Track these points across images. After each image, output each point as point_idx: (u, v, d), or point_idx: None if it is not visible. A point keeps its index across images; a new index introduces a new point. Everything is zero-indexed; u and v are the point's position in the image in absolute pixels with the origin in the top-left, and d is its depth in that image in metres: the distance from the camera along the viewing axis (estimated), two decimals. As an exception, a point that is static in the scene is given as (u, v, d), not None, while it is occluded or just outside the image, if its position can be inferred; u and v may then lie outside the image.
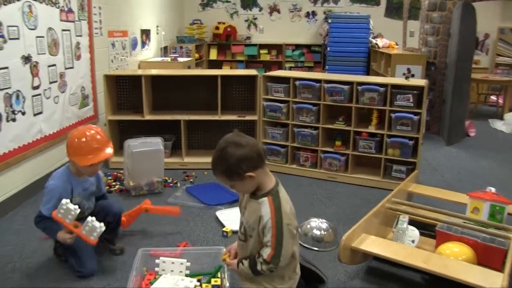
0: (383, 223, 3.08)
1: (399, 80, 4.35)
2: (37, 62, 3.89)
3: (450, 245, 2.79)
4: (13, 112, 3.58)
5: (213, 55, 9.26)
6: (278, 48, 9.26)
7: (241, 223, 2.13)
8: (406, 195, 3.53)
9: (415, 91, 4.02)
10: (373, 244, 2.65)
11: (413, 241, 2.95)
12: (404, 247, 2.74)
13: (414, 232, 3.00)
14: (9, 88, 3.51)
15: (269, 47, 9.27)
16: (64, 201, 2.52)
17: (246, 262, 2.05)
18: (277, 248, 1.93)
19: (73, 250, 2.71)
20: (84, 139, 2.68)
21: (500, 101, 8.00)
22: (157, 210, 3.33)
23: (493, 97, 8.47)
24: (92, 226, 2.56)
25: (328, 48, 7.84)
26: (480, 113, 7.80)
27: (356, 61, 7.55)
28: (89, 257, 2.74)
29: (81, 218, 2.70)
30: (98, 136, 2.72)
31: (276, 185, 2.02)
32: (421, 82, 4.16)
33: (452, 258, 2.64)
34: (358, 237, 2.67)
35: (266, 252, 1.96)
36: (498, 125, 6.96)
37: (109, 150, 2.75)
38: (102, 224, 2.60)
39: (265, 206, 1.95)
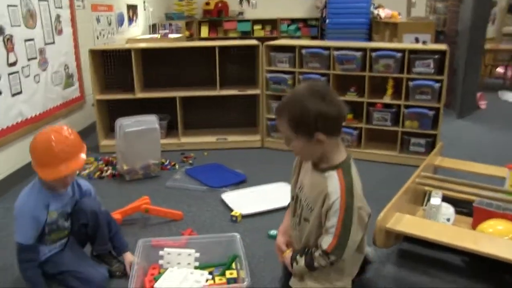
0: (412, 201, 2.73)
1: (417, 46, 3.98)
2: (11, 35, 3.47)
3: (492, 222, 2.46)
4: (-14, 91, 3.18)
5: (204, 32, 8.85)
6: (272, 23, 8.88)
7: (295, 199, 1.73)
8: (432, 169, 3.18)
9: (436, 56, 3.65)
10: (411, 225, 2.31)
11: (448, 220, 2.61)
12: (447, 227, 2.42)
13: (448, 209, 2.66)
14: (-21, 64, 3.12)
15: (263, 22, 8.88)
16: None
17: (301, 260, 1.65)
18: (342, 236, 1.54)
19: (67, 272, 2.25)
20: (48, 146, 2.07)
21: (509, 72, 7.68)
22: (158, 211, 2.95)
23: (500, 69, 8.12)
24: None
25: (328, 20, 7.45)
26: (487, 86, 7.47)
27: (357, 33, 7.14)
28: (91, 266, 2.31)
29: (61, 237, 2.31)
30: (67, 140, 2.12)
31: (348, 159, 1.63)
32: (442, 46, 3.79)
33: (499, 238, 2.31)
34: (392, 218, 2.32)
35: (327, 242, 1.55)
36: (508, 96, 6.63)
37: (83, 156, 2.16)
38: None
39: (333, 182, 1.56)
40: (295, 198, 1.73)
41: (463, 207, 2.80)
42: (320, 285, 1.70)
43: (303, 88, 1.58)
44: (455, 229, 2.38)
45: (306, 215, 1.64)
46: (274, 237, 1.89)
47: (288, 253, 1.74)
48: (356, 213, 1.54)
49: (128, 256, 2.39)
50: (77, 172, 2.55)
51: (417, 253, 2.52)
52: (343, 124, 1.61)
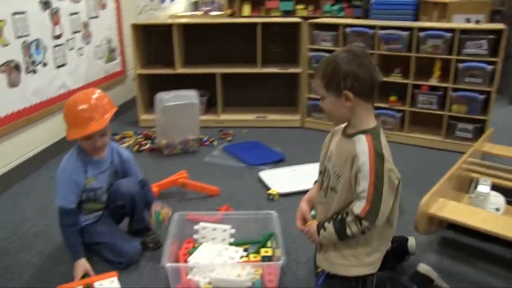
0: (457, 188, 2.60)
1: (469, 25, 3.78)
2: (57, 9, 3.52)
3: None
4: (33, 62, 3.24)
5: (246, 11, 8.71)
6: (315, 2, 8.65)
7: (323, 172, 1.71)
8: (480, 156, 3.03)
9: (490, 36, 3.44)
10: (456, 211, 2.20)
11: (497, 209, 2.45)
12: (497, 217, 2.27)
13: (498, 198, 2.49)
14: (28, 35, 3.19)
15: (306, 1, 8.66)
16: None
17: (330, 227, 1.61)
18: (375, 200, 1.50)
19: (101, 243, 2.28)
20: (71, 106, 2.13)
21: None
22: (195, 186, 2.94)
23: None
24: None
25: (373, 0, 7.23)
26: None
27: (403, 14, 6.88)
28: (124, 240, 2.32)
29: (96, 209, 2.34)
30: (91, 101, 2.12)
31: (378, 127, 1.60)
32: (498, 25, 3.57)
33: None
34: (435, 203, 2.22)
35: (359, 207, 1.52)
36: None
37: (107, 117, 2.13)
38: None
39: (361, 144, 1.53)
40: (323, 171, 1.71)
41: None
42: (347, 261, 1.67)
43: (340, 50, 1.62)
44: (506, 219, 2.23)
45: (333, 184, 1.63)
46: (313, 217, 1.85)
47: (314, 223, 1.71)
48: (386, 175, 1.51)
49: (154, 205, 2.38)
50: (112, 138, 2.57)
51: (461, 242, 2.42)
52: (376, 90, 1.58)
